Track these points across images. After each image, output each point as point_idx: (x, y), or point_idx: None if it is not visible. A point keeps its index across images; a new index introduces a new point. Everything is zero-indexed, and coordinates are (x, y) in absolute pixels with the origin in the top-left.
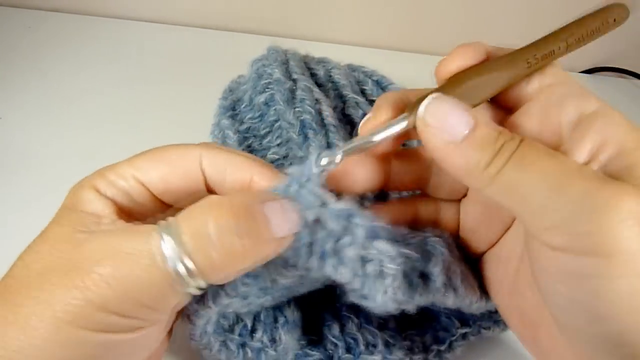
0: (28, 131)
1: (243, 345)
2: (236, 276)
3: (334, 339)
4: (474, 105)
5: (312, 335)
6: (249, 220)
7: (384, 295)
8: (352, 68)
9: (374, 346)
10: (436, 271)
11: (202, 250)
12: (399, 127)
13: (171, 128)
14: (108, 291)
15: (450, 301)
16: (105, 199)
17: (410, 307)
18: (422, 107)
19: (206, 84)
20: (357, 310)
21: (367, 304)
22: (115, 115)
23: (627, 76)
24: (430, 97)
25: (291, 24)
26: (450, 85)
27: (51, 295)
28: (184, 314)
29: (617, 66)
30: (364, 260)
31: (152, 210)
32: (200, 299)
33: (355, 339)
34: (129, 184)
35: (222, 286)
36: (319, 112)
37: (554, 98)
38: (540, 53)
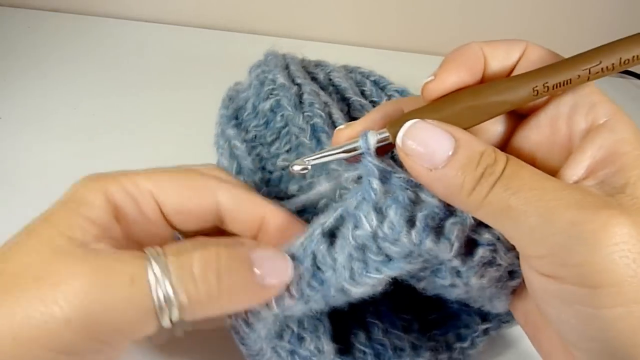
0: (28, 131)
1: (292, 353)
2: (218, 315)
3: (361, 347)
4: (468, 127)
5: (339, 344)
6: (232, 262)
7: (480, 279)
8: (348, 69)
9: (402, 350)
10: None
11: (184, 282)
12: (355, 149)
13: (171, 128)
14: (84, 311)
15: (502, 303)
16: (110, 207)
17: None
18: (400, 134)
19: (206, 83)
20: (381, 316)
21: (447, 288)
22: (115, 116)
23: (627, 76)
24: (408, 123)
25: (289, 23)
26: (441, 105)
27: (16, 308)
28: (238, 320)
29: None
30: (472, 244)
31: (154, 229)
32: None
33: (383, 345)
34: (143, 197)
35: (287, 287)
36: (329, 115)
37: (564, 108)
38: (553, 81)
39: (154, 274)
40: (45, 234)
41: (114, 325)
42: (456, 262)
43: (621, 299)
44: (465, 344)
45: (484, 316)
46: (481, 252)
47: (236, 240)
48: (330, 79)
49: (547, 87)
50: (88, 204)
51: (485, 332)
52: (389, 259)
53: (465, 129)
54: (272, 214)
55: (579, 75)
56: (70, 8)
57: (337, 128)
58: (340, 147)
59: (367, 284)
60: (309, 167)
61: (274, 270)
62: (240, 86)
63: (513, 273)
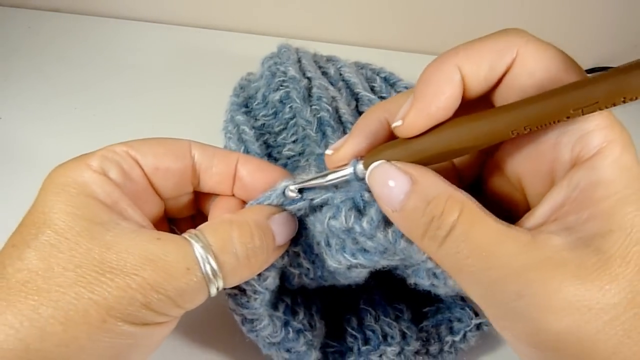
0: (28, 131)
1: (286, 324)
2: (245, 280)
3: (353, 332)
4: (444, 161)
5: (332, 328)
6: (263, 237)
7: None
8: (359, 65)
9: (392, 337)
10: None
11: (227, 258)
12: (346, 176)
13: (171, 128)
14: (151, 292)
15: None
16: (101, 178)
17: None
18: (367, 178)
19: (206, 83)
20: (374, 304)
21: (433, 287)
22: (115, 115)
23: None
24: (372, 165)
25: (290, 24)
26: (413, 143)
27: (93, 292)
28: (245, 286)
29: (617, 66)
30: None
31: (141, 195)
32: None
33: (373, 331)
34: (121, 157)
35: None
36: (336, 110)
37: (551, 134)
38: (535, 124)
39: (200, 255)
40: (74, 225)
41: (176, 303)
42: (430, 264)
43: (579, 357)
44: (457, 338)
45: (478, 311)
46: None
47: (257, 210)
48: (340, 74)
49: (529, 129)
50: (90, 184)
51: (478, 327)
52: (365, 250)
53: (442, 162)
54: (243, 160)
55: (568, 117)
56: (70, 8)
57: (326, 152)
58: (331, 176)
59: (342, 263)
60: (298, 194)
61: (286, 232)
62: (252, 76)
63: None
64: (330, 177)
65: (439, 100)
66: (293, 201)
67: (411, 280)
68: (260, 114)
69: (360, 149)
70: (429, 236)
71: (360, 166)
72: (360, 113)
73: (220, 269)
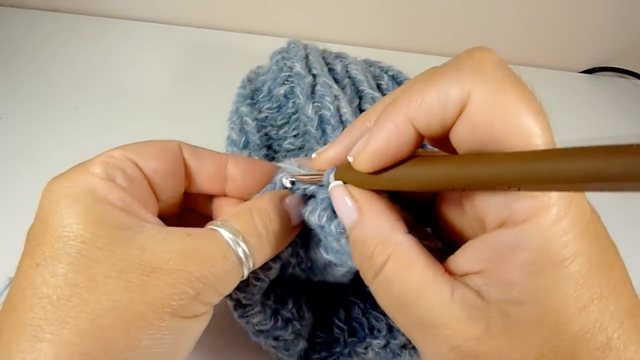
0: (28, 131)
1: (276, 312)
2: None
3: (340, 323)
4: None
5: (320, 319)
6: (279, 219)
7: None
8: (368, 63)
9: (379, 331)
10: None
11: (254, 240)
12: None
13: (171, 127)
14: (198, 284)
15: None
16: (110, 184)
17: None
18: (329, 191)
19: (206, 83)
20: (363, 297)
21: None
22: (115, 115)
23: (627, 76)
24: (332, 184)
25: (294, 25)
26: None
27: (145, 295)
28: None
29: (617, 66)
30: None
31: (144, 200)
32: None
33: (360, 323)
34: (122, 162)
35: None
36: (338, 109)
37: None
38: (471, 188)
39: (231, 240)
40: (103, 234)
41: (218, 291)
42: None
43: None
44: None
45: None
46: None
47: (271, 195)
48: (347, 71)
49: (465, 189)
50: (99, 190)
51: None
52: (334, 249)
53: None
54: (234, 160)
55: (509, 187)
56: (70, 8)
57: (313, 155)
58: (309, 174)
59: (318, 256)
60: (290, 184)
61: (298, 213)
62: (260, 69)
63: None
64: (306, 178)
65: (388, 148)
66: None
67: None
68: (265, 107)
69: (340, 157)
70: (363, 269)
71: (332, 176)
72: (362, 111)
73: (250, 250)
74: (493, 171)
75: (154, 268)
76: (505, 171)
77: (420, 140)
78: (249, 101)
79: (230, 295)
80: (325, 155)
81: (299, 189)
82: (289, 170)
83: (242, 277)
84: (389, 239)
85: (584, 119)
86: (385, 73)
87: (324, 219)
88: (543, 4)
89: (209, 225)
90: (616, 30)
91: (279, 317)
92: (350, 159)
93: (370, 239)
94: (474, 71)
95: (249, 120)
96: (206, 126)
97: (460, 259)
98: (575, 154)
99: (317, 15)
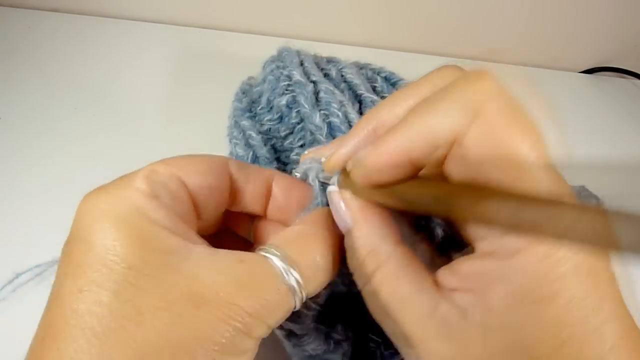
0: (28, 131)
1: (327, 336)
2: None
3: (374, 337)
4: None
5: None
6: (335, 240)
7: None
8: (359, 66)
9: None
10: None
11: (308, 270)
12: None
13: (172, 128)
14: (249, 319)
15: None
16: (158, 204)
17: None
18: (327, 194)
19: (206, 83)
20: None
21: None
22: (116, 115)
23: (627, 76)
24: (329, 188)
25: (291, 24)
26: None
27: (194, 330)
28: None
29: (617, 66)
30: None
31: (187, 220)
32: None
33: None
34: (167, 179)
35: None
36: (345, 115)
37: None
38: (464, 220)
39: (283, 269)
40: (146, 259)
41: (268, 325)
42: None
43: None
44: None
45: None
46: None
47: (326, 215)
48: (342, 75)
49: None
50: (147, 211)
51: None
52: None
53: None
54: (278, 177)
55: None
56: (70, 8)
57: (326, 157)
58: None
59: None
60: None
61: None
62: (253, 80)
63: None
64: (320, 178)
65: (387, 174)
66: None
67: None
68: (266, 119)
69: (347, 159)
70: (355, 276)
71: (335, 178)
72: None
73: (303, 280)
74: (482, 208)
75: (205, 300)
76: (495, 211)
77: (416, 170)
78: (247, 114)
79: (281, 326)
80: (335, 158)
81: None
82: (315, 169)
83: (294, 309)
84: (379, 249)
85: (584, 119)
86: (378, 75)
87: None
88: (543, 4)
89: (261, 251)
90: (616, 30)
91: (331, 340)
92: (348, 166)
93: (361, 248)
94: (466, 105)
95: (254, 134)
96: (206, 126)
97: (450, 274)
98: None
99: (316, 16)
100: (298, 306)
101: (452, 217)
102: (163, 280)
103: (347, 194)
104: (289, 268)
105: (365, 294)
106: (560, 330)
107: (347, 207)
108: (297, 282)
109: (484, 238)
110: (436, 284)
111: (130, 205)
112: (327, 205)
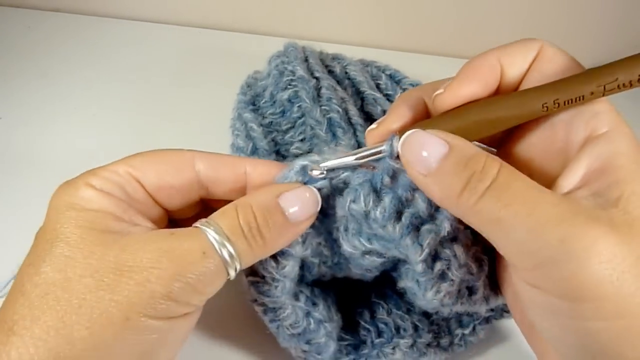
0: (28, 131)
1: (308, 314)
2: (262, 258)
3: (366, 325)
4: (475, 139)
5: (345, 321)
6: (267, 215)
7: (435, 294)
8: (364, 63)
9: (405, 330)
10: (479, 285)
11: (239, 238)
12: (380, 152)
13: (172, 128)
14: (170, 282)
15: (482, 310)
16: (106, 195)
17: (446, 311)
18: (399, 144)
19: (207, 83)
20: (386, 297)
21: (414, 295)
22: (116, 116)
23: None
24: (407, 132)
25: (293, 25)
26: (449, 117)
27: (113, 293)
28: (265, 272)
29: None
30: (435, 257)
31: (145, 210)
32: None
33: (386, 324)
34: (124, 179)
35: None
36: (346, 112)
37: (564, 114)
38: (564, 98)
39: (214, 238)
40: (82, 235)
41: (196, 289)
42: (420, 268)
43: (603, 313)
44: (466, 331)
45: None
46: (439, 266)
47: (264, 190)
48: (346, 72)
49: (558, 103)
50: (86, 200)
51: (487, 320)
52: (379, 236)
53: (474, 139)
54: (253, 165)
55: (592, 92)
56: (70, 8)
57: (369, 128)
58: (363, 151)
59: (357, 247)
60: (324, 172)
61: (303, 208)
62: (258, 74)
63: (471, 288)
64: (364, 154)
65: (482, 73)
66: (312, 179)
67: (400, 284)
68: (268, 112)
69: (404, 121)
70: (469, 189)
71: (397, 142)
72: (365, 112)
73: (235, 249)
74: (581, 78)
75: (128, 266)
76: (589, 76)
77: (497, 87)
78: (251, 107)
79: (255, 300)
80: (389, 120)
81: (325, 179)
82: (311, 160)
83: (229, 278)
84: (491, 155)
85: None
86: (383, 72)
87: (370, 203)
88: (542, 4)
89: (195, 224)
90: (616, 30)
91: (311, 319)
92: (439, 90)
93: (478, 154)
94: (538, 40)
95: (255, 126)
96: (207, 126)
97: (559, 186)
98: None
99: (316, 16)
100: (233, 275)
101: (554, 100)
102: (94, 252)
103: (428, 130)
104: (220, 236)
105: (489, 198)
106: None
107: (438, 135)
108: (229, 252)
109: (576, 129)
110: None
111: (80, 196)
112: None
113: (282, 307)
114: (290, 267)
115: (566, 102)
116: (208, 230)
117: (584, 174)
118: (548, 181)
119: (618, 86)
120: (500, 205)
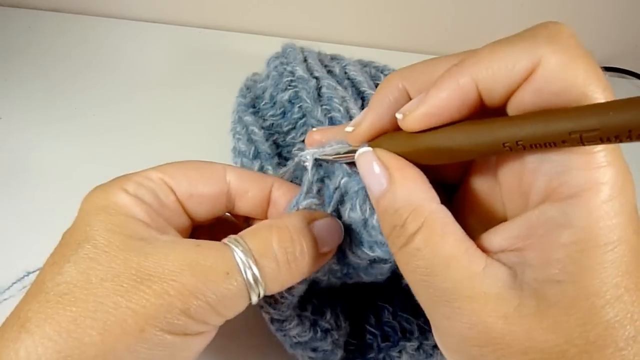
0: (28, 131)
1: (314, 324)
2: (287, 287)
3: (371, 329)
4: (435, 163)
5: (351, 326)
6: (304, 242)
7: None
8: (363, 63)
9: (411, 333)
10: None
11: (268, 264)
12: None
13: (172, 128)
14: (190, 298)
15: None
16: (138, 201)
17: None
18: (355, 158)
19: (206, 83)
20: (391, 300)
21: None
22: (115, 116)
23: (627, 76)
24: (358, 152)
25: (292, 25)
26: (410, 139)
27: (130, 300)
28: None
29: (617, 66)
30: None
31: (173, 218)
32: None
33: (392, 327)
34: (156, 185)
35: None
36: (347, 110)
37: (535, 157)
38: (528, 141)
39: (240, 259)
40: (111, 239)
41: (215, 310)
42: None
43: None
44: None
45: None
46: None
47: (298, 214)
48: (346, 72)
49: (522, 145)
50: (121, 205)
51: None
52: (380, 242)
53: (434, 164)
54: (278, 184)
55: (563, 141)
56: (70, 8)
57: (346, 129)
58: (346, 156)
59: (361, 257)
60: (311, 162)
61: (331, 238)
62: (257, 76)
63: None
64: (346, 156)
65: (447, 107)
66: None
67: (405, 282)
68: (269, 114)
69: (381, 124)
70: (392, 237)
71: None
72: None
73: (261, 274)
74: (554, 120)
75: (149, 275)
76: (565, 118)
77: (477, 108)
78: (251, 110)
79: (262, 307)
80: (364, 125)
81: (312, 172)
82: (310, 154)
83: (251, 303)
84: (422, 207)
85: None
86: (382, 73)
87: (367, 211)
88: (542, 4)
89: (225, 239)
90: (616, 30)
91: (318, 328)
92: (399, 116)
93: (402, 207)
94: (548, 39)
95: (256, 130)
96: (207, 125)
97: (496, 237)
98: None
99: (316, 16)
100: (255, 300)
101: (517, 142)
102: (118, 257)
103: (382, 152)
104: (247, 257)
105: (402, 256)
106: (622, 279)
107: (382, 166)
108: (254, 275)
109: (543, 177)
110: (480, 247)
111: (113, 201)
112: (318, 194)
113: (288, 319)
114: (301, 289)
115: (533, 146)
116: (235, 249)
117: (524, 235)
118: (509, 215)
119: (600, 139)
120: (407, 269)
